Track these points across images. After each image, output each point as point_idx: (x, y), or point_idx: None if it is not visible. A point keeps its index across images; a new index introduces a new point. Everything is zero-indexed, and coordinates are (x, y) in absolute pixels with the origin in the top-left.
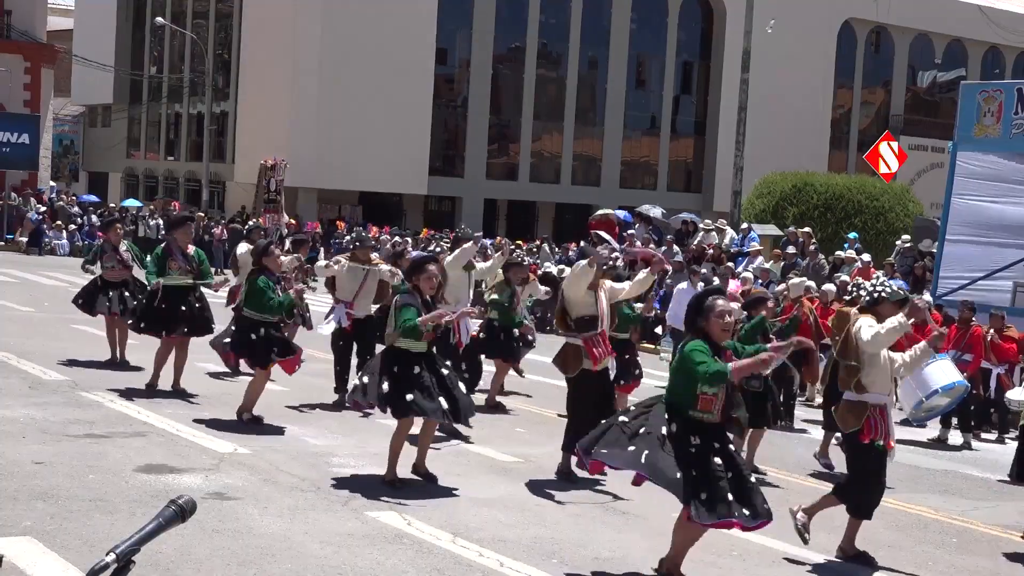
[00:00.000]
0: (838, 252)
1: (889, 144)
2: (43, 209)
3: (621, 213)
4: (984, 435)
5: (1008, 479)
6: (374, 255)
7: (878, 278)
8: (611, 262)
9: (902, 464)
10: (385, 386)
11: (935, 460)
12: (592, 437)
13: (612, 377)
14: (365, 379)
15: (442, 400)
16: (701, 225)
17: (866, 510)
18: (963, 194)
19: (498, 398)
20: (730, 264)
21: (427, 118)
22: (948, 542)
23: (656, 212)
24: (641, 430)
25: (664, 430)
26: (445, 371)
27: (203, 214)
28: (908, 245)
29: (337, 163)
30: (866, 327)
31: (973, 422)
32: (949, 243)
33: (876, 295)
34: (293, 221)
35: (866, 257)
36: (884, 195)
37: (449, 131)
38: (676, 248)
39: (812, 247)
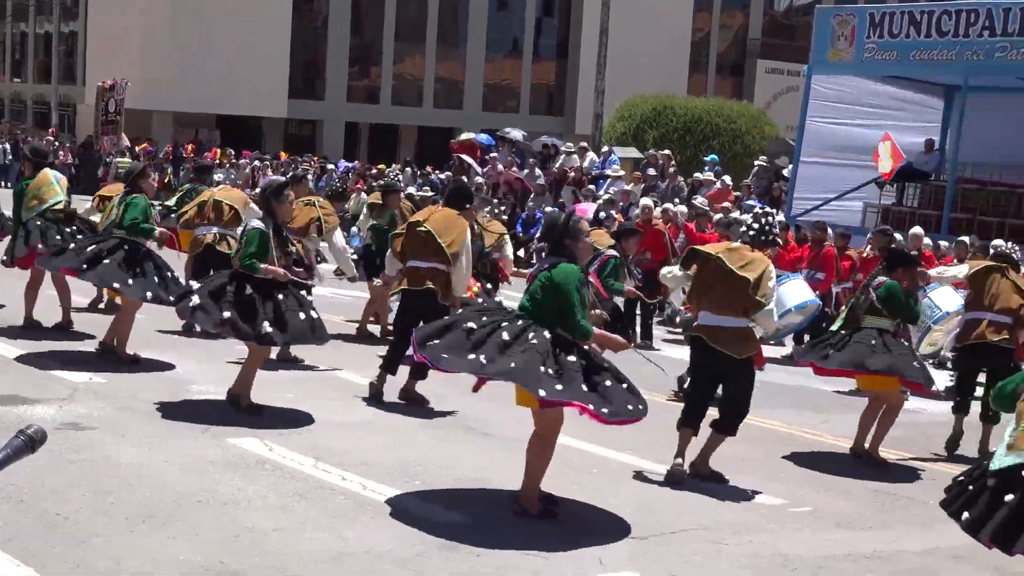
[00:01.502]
0: (697, 174)
1: (885, 144)
2: None
3: (483, 136)
4: None
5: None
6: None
7: (766, 215)
8: None
9: (757, 380)
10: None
11: (788, 376)
12: (433, 331)
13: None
14: None
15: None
16: (563, 148)
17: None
18: (817, 117)
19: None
20: (591, 187)
21: (286, 39)
22: (798, 454)
23: (518, 135)
24: (492, 338)
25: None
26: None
27: (52, 138)
28: (764, 165)
29: (193, 85)
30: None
31: None
32: (803, 165)
33: (768, 236)
34: (147, 144)
35: (727, 179)
36: (741, 118)
37: (309, 52)
38: (538, 171)
39: (672, 169)
